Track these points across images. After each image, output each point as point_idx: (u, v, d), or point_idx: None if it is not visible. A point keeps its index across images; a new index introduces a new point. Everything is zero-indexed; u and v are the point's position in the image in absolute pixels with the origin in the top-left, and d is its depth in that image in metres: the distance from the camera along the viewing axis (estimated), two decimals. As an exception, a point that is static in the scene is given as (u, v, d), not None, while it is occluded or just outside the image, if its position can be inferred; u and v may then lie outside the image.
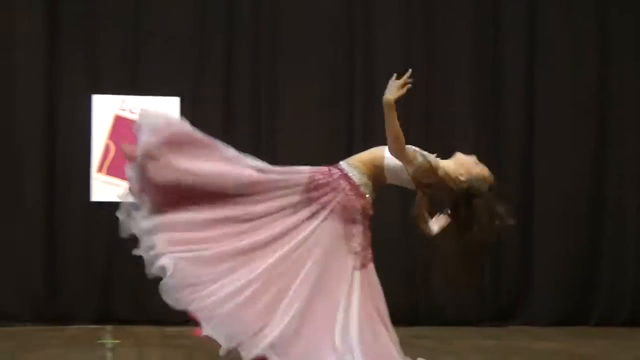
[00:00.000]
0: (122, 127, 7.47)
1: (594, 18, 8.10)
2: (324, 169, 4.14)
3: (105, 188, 7.39)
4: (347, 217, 4.04)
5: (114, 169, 7.42)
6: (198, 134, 4.19)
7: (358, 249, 4.09)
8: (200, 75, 7.62)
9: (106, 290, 7.28)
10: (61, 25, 7.35)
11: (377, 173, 4.15)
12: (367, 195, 4.09)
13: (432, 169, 4.04)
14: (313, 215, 4.00)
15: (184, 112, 7.51)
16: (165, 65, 7.55)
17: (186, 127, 4.21)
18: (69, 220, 7.36)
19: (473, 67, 7.96)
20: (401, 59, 7.80)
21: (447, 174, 4.08)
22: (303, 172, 4.10)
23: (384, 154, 4.15)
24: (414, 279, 7.71)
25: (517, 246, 7.89)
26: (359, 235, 4.09)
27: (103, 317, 7.19)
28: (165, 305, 7.16)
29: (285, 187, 4.04)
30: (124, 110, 7.49)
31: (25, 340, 6.03)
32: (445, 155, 4.38)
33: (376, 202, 4.26)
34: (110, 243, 7.31)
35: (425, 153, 4.11)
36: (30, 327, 6.88)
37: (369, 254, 4.16)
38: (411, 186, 4.18)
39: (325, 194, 4.02)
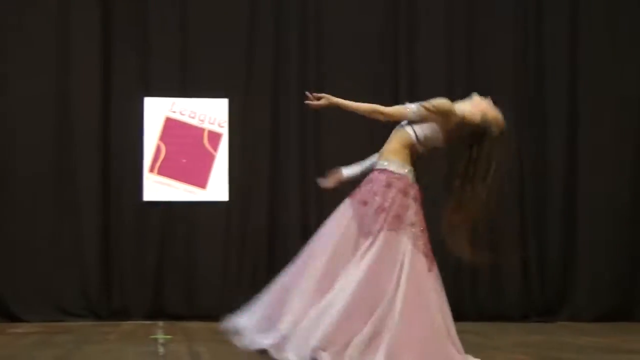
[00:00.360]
0: (172, 129, 7.66)
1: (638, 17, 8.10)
2: (365, 194, 4.10)
3: (156, 188, 7.59)
4: (401, 225, 4.08)
5: (165, 169, 7.61)
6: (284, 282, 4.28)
7: (425, 248, 4.14)
8: (249, 77, 7.77)
9: (158, 288, 7.48)
10: (114, 32, 7.57)
11: (410, 151, 4.17)
12: (411, 180, 4.12)
13: (439, 111, 4.06)
14: (372, 244, 4.04)
15: (233, 113, 7.70)
16: (214, 68, 7.70)
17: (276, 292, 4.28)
18: (122, 220, 7.56)
19: (515, 77, 7.98)
20: (444, 62, 7.91)
21: (464, 115, 4.13)
22: (349, 213, 4.12)
23: (405, 130, 4.17)
24: (458, 274, 7.76)
25: (561, 242, 7.91)
26: (420, 236, 4.13)
27: (155, 314, 7.40)
28: (214, 301, 7.43)
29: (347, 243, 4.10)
30: (174, 112, 7.67)
31: (82, 335, 6.20)
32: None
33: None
34: (161, 241, 7.54)
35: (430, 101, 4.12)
36: (86, 322, 7.14)
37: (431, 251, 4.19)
38: (441, 144, 4.19)
39: (376, 218, 4.03)
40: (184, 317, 7.33)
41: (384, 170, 4.16)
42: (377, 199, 4.08)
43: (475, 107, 4.19)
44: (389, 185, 4.09)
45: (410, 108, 4.09)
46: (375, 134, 7.79)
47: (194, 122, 7.69)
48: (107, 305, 7.40)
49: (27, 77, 7.45)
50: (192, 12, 7.73)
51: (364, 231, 4.05)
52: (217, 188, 7.66)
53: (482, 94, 7.85)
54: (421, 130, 4.14)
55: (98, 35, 7.54)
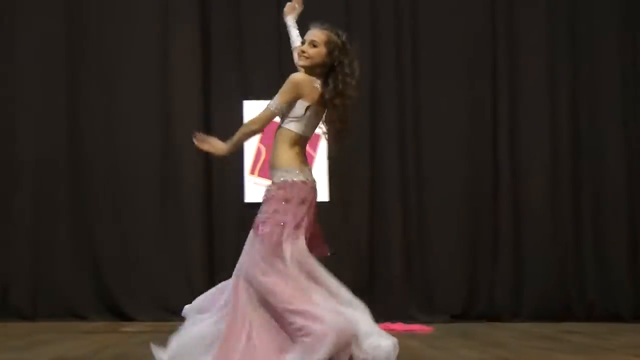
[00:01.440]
0: (272, 131, 7.70)
1: None
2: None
3: (257, 189, 7.68)
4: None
5: (265, 171, 7.69)
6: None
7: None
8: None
9: (262, 287, 7.57)
10: (214, 38, 7.77)
11: (299, 143, 4.12)
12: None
13: (291, 92, 4.04)
14: None
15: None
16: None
17: None
18: (224, 221, 7.69)
19: (621, 85, 7.81)
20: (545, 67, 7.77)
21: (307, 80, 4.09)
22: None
23: (287, 128, 4.11)
24: (565, 274, 7.62)
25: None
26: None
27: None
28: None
29: None
30: (273, 114, 7.75)
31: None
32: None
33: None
34: (263, 242, 7.61)
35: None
36: (192, 322, 7.29)
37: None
38: (321, 116, 4.15)
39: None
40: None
41: (284, 186, 4.06)
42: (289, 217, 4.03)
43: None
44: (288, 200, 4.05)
45: (272, 105, 4.07)
46: (474, 135, 7.81)
47: (293, 123, 7.74)
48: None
49: (132, 84, 7.70)
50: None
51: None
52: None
53: (584, 93, 7.84)
54: (301, 124, 4.11)
55: (198, 41, 7.73)
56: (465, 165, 7.81)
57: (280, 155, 4.12)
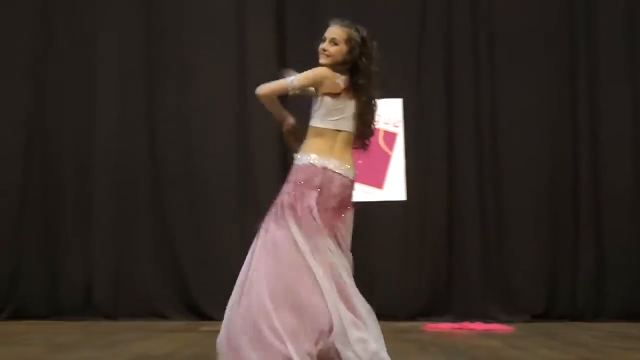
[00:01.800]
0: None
1: None
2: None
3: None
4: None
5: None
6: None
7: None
8: (422, 76, 7.75)
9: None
10: (289, 38, 7.82)
11: (323, 135, 4.03)
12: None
13: (317, 80, 4.02)
14: None
15: (407, 113, 7.68)
16: (387, 68, 7.68)
17: None
18: (302, 221, 7.70)
19: None
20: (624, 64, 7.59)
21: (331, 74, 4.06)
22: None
23: (312, 125, 4.05)
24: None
25: None
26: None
27: (336, 312, 7.50)
28: (394, 300, 7.44)
29: None
30: (348, 113, 7.75)
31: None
32: None
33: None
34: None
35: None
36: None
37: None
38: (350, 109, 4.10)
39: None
40: (364, 317, 7.35)
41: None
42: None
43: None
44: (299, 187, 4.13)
45: (289, 79, 4.03)
46: (553, 131, 7.66)
47: (369, 122, 7.72)
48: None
49: (209, 82, 7.82)
50: (363, 12, 7.78)
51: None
52: (394, 188, 7.66)
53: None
54: (321, 119, 4.05)
55: (274, 40, 7.82)
56: (544, 162, 7.68)
57: (304, 145, 4.10)
